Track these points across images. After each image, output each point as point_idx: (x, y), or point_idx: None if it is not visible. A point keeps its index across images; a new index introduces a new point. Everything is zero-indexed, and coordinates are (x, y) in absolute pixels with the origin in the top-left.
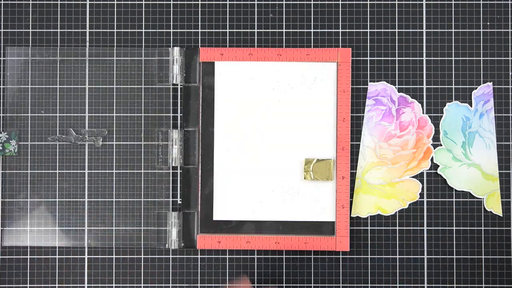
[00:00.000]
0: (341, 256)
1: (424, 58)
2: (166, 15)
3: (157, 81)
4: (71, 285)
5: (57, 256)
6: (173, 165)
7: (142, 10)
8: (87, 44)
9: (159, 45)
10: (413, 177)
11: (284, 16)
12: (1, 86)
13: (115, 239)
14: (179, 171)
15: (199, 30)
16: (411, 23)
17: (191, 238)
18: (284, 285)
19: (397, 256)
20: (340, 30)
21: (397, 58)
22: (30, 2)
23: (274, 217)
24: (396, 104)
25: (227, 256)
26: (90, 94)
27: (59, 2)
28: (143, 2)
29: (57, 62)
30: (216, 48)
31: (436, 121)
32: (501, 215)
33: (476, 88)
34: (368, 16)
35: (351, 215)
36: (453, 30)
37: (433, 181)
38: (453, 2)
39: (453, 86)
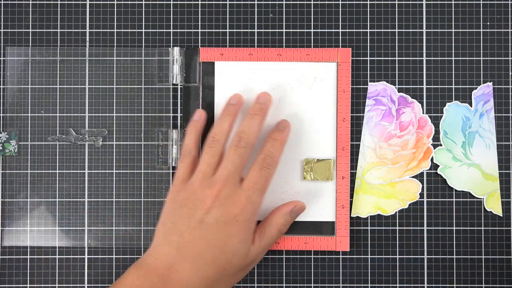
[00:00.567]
0: (341, 256)
1: (424, 58)
2: (166, 15)
3: (157, 81)
4: (71, 285)
5: (57, 256)
6: (173, 165)
7: (142, 10)
8: (87, 44)
9: (159, 45)
10: (413, 177)
11: (284, 16)
12: (1, 86)
13: (115, 239)
14: None
15: (199, 30)
16: (411, 23)
17: None
18: (284, 285)
19: (397, 256)
20: (340, 30)
21: (397, 58)
22: (30, 2)
23: None
24: (396, 104)
25: None
26: (90, 94)
27: (59, 2)
28: (143, 2)
29: (57, 62)
30: (216, 48)
31: (436, 121)
32: (501, 215)
33: (476, 88)
34: (368, 16)
35: (351, 215)
36: (453, 30)
37: (433, 181)
38: (453, 2)
39: (453, 86)
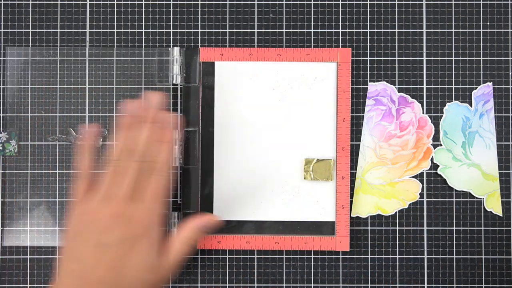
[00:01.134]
0: (341, 256)
1: (424, 58)
2: (166, 15)
3: (157, 81)
4: None
5: (57, 256)
6: (173, 165)
7: (142, 10)
8: (87, 44)
9: (159, 45)
10: (413, 177)
11: (284, 16)
12: (1, 86)
13: None
14: (179, 171)
15: (199, 30)
16: (411, 23)
17: None
18: (284, 285)
19: (397, 256)
20: (340, 30)
21: (397, 58)
22: (30, 2)
23: (274, 217)
24: (396, 104)
25: (227, 256)
26: (90, 94)
27: (59, 2)
28: (143, 2)
29: (57, 62)
30: (216, 48)
31: (436, 121)
32: (501, 215)
33: (476, 88)
34: (368, 16)
35: (351, 215)
36: (453, 30)
37: (433, 181)
38: (453, 2)
39: (453, 86)
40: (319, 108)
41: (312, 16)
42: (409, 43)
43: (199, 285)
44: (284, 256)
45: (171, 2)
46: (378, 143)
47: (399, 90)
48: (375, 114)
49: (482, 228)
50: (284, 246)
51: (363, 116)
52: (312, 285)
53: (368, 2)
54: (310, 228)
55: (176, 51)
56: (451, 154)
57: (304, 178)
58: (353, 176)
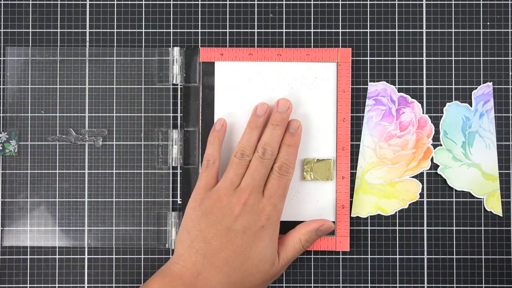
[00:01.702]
0: (341, 256)
1: (424, 58)
2: (166, 15)
3: (157, 81)
4: (71, 285)
5: (57, 256)
6: (173, 165)
7: (142, 10)
8: (87, 44)
9: (159, 45)
10: (413, 177)
11: (284, 16)
12: (1, 86)
13: (115, 239)
14: (179, 171)
15: (199, 30)
16: (411, 23)
17: None
18: (284, 285)
19: (397, 256)
20: (340, 30)
21: (397, 58)
22: (30, 2)
23: None
24: (396, 104)
25: None
26: (90, 94)
27: (59, 2)
28: (143, 2)
29: (57, 62)
30: (216, 48)
31: (436, 121)
32: (501, 215)
33: (476, 88)
34: (368, 16)
35: (351, 215)
36: (453, 30)
37: (433, 181)
38: (453, 2)
39: (453, 86)
40: (319, 108)
41: (312, 16)
42: (409, 43)
43: None
44: None
45: (171, 2)
46: (378, 143)
47: (399, 90)
48: (375, 114)
49: (482, 228)
50: None
51: (363, 116)
52: (312, 285)
53: (368, 2)
54: None
55: (176, 51)
56: (451, 154)
57: (304, 178)
58: (353, 176)
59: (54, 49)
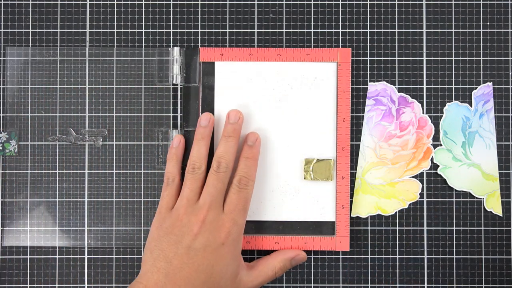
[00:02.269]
0: (341, 256)
1: (424, 58)
2: (166, 15)
3: (157, 81)
4: (71, 285)
5: (57, 256)
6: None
7: (142, 10)
8: (87, 44)
9: (159, 45)
10: (413, 177)
11: (284, 16)
12: (1, 86)
13: (115, 239)
14: None
15: (199, 30)
16: (411, 23)
17: None
18: (284, 285)
19: (397, 256)
20: (340, 30)
21: (397, 58)
22: (30, 2)
23: (274, 217)
24: (396, 104)
25: None
26: (90, 94)
27: (59, 2)
28: (143, 2)
29: (57, 62)
30: (216, 48)
31: (436, 121)
32: (501, 215)
33: (476, 88)
34: (368, 16)
35: (351, 215)
36: (453, 30)
37: (433, 181)
38: (453, 2)
39: (453, 86)
40: (319, 108)
41: (312, 16)
42: (409, 43)
43: None
44: None
45: (171, 2)
46: (378, 143)
47: (399, 90)
48: (375, 114)
49: (482, 228)
50: (284, 246)
51: (363, 116)
52: (312, 285)
53: (368, 2)
54: (310, 228)
55: (176, 51)
56: (451, 154)
57: (304, 178)
58: (353, 176)
59: (54, 49)
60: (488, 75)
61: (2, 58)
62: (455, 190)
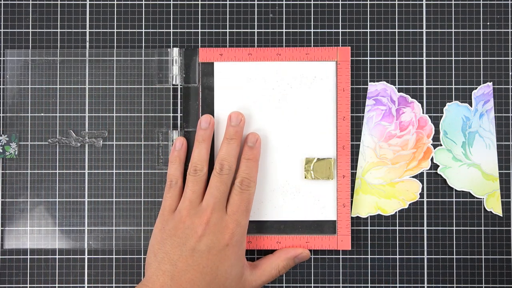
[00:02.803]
0: (341, 256)
1: (424, 58)
2: (166, 15)
3: (157, 82)
4: (71, 285)
5: (57, 257)
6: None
7: (142, 11)
8: (87, 45)
9: (159, 45)
10: (413, 177)
11: (284, 16)
12: (1, 87)
13: (115, 240)
14: None
15: (199, 30)
16: (411, 23)
17: None
18: (284, 285)
19: (397, 256)
20: (340, 30)
21: (397, 58)
22: (30, 2)
23: (275, 216)
24: (396, 104)
25: None
26: (90, 95)
27: (59, 2)
28: (143, 3)
29: (57, 63)
30: (215, 49)
31: (436, 121)
32: (501, 215)
33: (476, 88)
34: (368, 16)
35: (351, 215)
36: (453, 30)
37: (433, 181)
38: (453, 2)
39: (453, 86)
40: (319, 107)
41: (312, 16)
42: (409, 43)
43: None
44: None
45: (171, 2)
46: (378, 143)
47: (399, 90)
48: (375, 114)
49: (482, 228)
50: (286, 245)
51: (363, 116)
52: (312, 285)
53: (368, 2)
54: (311, 227)
55: (175, 52)
56: (451, 154)
57: (305, 177)
58: (353, 176)
59: (54, 50)
60: (488, 75)
61: (2, 59)
62: (455, 190)
